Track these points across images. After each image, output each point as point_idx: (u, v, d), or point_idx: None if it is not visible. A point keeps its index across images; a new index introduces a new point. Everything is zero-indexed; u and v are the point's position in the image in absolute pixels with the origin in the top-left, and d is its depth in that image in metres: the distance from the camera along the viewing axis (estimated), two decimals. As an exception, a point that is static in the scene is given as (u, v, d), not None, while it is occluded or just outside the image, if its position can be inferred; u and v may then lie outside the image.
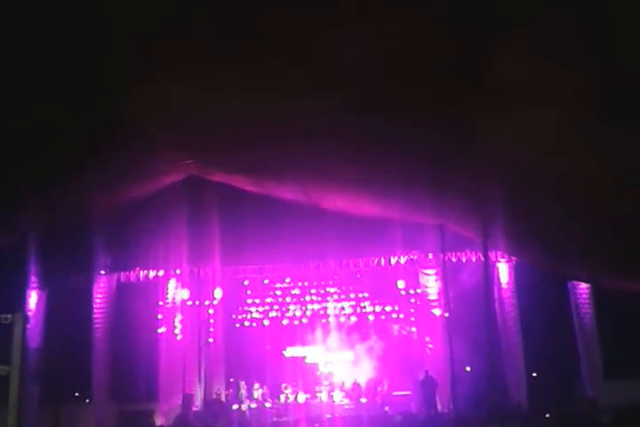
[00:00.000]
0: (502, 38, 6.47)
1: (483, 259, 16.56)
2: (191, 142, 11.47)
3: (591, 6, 5.69)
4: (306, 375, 20.69)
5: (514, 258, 18.23)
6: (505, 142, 8.50)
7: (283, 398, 19.92)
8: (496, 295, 18.22)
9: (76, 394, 19.81)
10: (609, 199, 8.91)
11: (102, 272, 19.34)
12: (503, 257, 18.58)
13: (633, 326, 15.13)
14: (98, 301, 19.38)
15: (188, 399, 19.35)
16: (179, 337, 20.16)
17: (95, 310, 19.30)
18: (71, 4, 6.64)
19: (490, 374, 15.60)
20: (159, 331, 19.85)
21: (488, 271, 16.64)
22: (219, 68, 8.02)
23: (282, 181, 13.67)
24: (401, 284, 20.04)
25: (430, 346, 19.34)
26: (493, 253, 18.03)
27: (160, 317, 20.04)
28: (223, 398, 19.83)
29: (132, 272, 20.01)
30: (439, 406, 17.92)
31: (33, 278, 17.90)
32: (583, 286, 17.86)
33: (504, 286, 18.65)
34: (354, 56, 7.23)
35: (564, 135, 7.72)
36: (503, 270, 18.79)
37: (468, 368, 18.38)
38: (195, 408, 19.55)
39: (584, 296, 17.99)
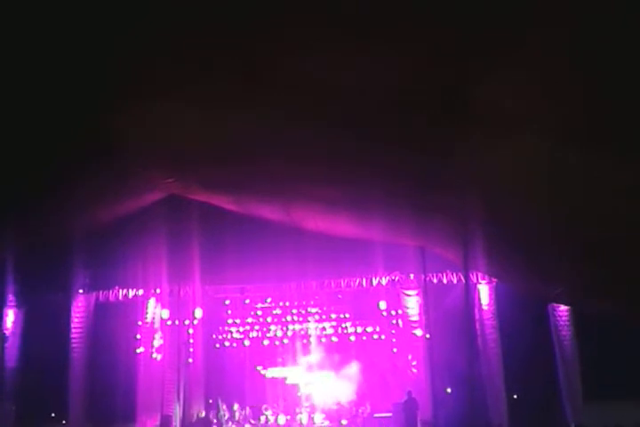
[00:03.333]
0: (488, 65, 6.53)
1: (464, 280, 16.59)
2: (172, 161, 11.43)
3: (577, 33, 5.77)
4: (287, 396, 20.55)
5: (494, 280, 18.28)
6: (487, 165, 8.55)
7: (263, 419, 19.76)
8: (477, 317, 18.24)
9: (52, 415, 19.55)
10: (590, 221, 8.97)
11: (80, 291, 19.15)
12: (484, 279, 18.63)
13: (612, 349, 15.18)
14: (76, 320, 19.15)
15: (166, 421, 19.12)
16: (158, 357, 19.94)
17: (73, 330, 19.07)
18: (54, 25, 6.63)
19: (470, 395, 15.56)
20: (138, 351, 19.61)
21: (469, 293, 16.67)
22: (201, 87, 8.02)
23: (263, 201, 13.64)
24: (382, 305, 19.98)
25: (414, 368, 19.26)
26: (474, 274, 18.08)
27: (139, 337, 19.81)
28: (205, 416, 19.63)
29: (110, 291, 19.82)
30: (420, 429, 17.80)
31: (10, 297, 17.70)
32: (563, 308, 17.92)
33: (485, 307, 18.67)
34: (338, 78, 7.26)
35: (547, 159, 7.78)
36: (484, 292, 18.83)
37: (449, 390, 18.34)
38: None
39: (564, 318, 18.05)
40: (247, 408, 20.08)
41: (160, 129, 9.32)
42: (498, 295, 18.54)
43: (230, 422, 19.56)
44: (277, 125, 8.71)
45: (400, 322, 19.90)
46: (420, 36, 6.32)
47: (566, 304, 17.34)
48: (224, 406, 19.79)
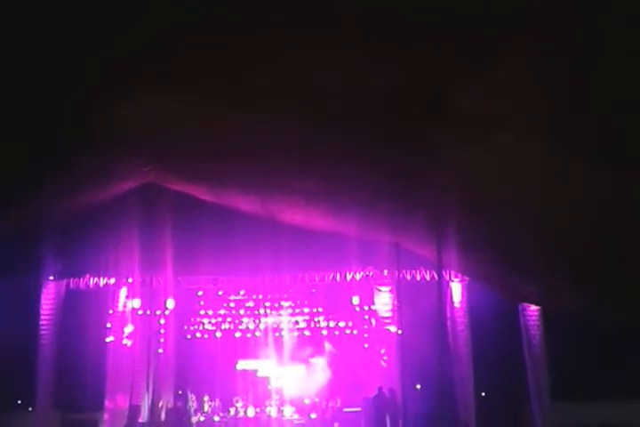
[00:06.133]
0: (467, 67, 6.55)
1: (437, 277, 16.63)
2: (150, 149, 11.34)
3: (556, 38, 5.79)
4: (257, 389, 20.51)
5: (467, 278, 18.38)
6: (464, 163, 8.58)
7: (232, 411, 19.73)
8: (448, 314, 18.32)
9: (19, 402, 19.35)
10: (563, 222, 9.05)
11: (51, 278, 18.91)
12: (457, 276, 18.71)
13: (580, 349, 15.36)
14: (45, 307, 18.92)
15: (134, 411, 19.00)
16: (128, 345, 19.79)
17: (42, 317, 18.83)
18: (39, 20, 6.55)
19: (439, 392, 15.63)
20: (108, 340, 19.45)
21: (441, 290, 16.72)
22: (180, 78, 7.97)
23: (240, 192, 13.59)
24: (355, 300, 20.02)
25: (385, 363, 19.31)
26: (447, 272, 18.14)
27: (109, 325, 19.65)
28: (176, 406, 19.54)
29: (81, 279, 19.61)
30: (388, 424, 17.86)
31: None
32: (533, 308, 18.07)
33: (456, 305, 18.77)
34: (323, 78, 7.26)
35: (523, 160, 7.83)
36: (456, 290, 18.92)
37: (418, 386, 18.42)
38: (140, 420, 19.21)
39: (533, 318, 18.19)
40: (217, 400, 20.02)
41: (140, 119, 9.26)
42: (470, 294, 18.65)
43: (199, 414, 19.50)
44: (259, 118, 8.70)
45: (372, 318, 19.95)
46: (407, 39, 6.33)
47: (537, 303, 17.50)
48: (193, 398, 19.72)
